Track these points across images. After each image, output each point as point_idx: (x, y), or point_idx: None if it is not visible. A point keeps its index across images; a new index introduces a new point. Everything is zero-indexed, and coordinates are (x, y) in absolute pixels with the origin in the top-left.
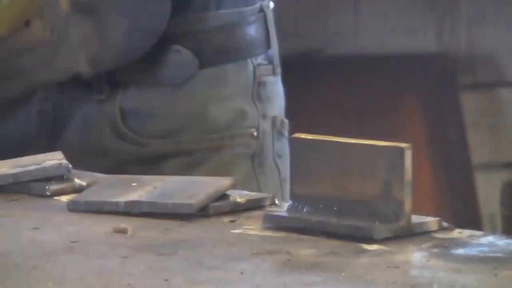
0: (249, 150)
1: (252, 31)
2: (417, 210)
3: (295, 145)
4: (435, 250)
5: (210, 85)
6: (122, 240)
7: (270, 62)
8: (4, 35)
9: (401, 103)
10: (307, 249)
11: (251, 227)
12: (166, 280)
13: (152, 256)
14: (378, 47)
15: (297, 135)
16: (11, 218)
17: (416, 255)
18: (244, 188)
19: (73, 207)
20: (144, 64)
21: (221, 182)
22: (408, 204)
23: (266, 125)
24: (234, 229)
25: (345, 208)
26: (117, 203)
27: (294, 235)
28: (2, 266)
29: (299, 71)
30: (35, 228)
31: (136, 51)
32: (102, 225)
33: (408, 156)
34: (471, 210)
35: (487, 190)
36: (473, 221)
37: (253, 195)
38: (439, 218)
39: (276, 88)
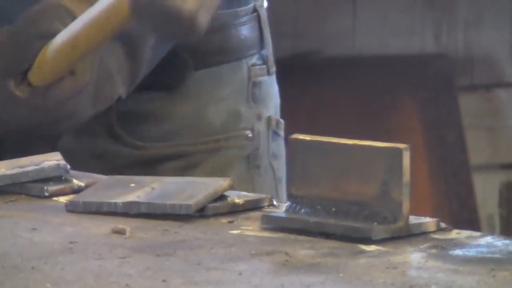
0: (245, 152)
1: (246, 31)
2: (415, 211)
3: (293, 145)
4: (433, 251)
5: (205, 87)
6: (121, 241)
7: (265, 62)
8: (46, 85)
9: (399, 104)
10: (305, 250)
11: (249, 228)
12: (164, 281)
13: (150, 257)
14: (376, 48)
15: (295, 135)
16: (9, 219)
17: (414, 256)
18: (239, 190)
19: (71, 208)
20: None
21: (219, 183)
22: (406, 205)
23: (261, 126)
24: (232, 230)
25: (343, 209)
26: (115, 204)
27: (292, 236)
28: (0, 267)
29: (297, 72)
30: (34, 229)
31: (157, 60)
32: (101, 226)
33: (406, 157)
34: (469, 211)
35: (485, 191)
36: (471, 222)
37: (251, 196)
38: (437, 219)
39: (271, 88)
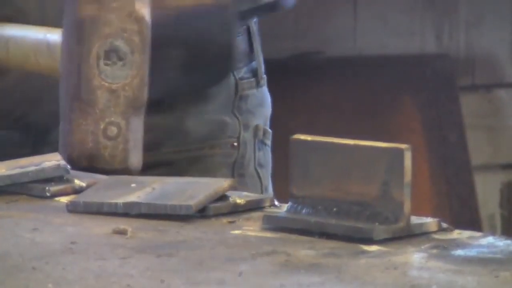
0: (229, 160)
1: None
2: (416, 211)
3: (294, 146)
4: (434, 251)
5: (190, 101)
6: (122, 241)
7: (254, 74)
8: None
9: (400, 105)
10: (306, 250)
11: (250, 228)
12: (165, 281)
13: (151, 257)
14: (377, 49)
15: (296, 136)
16: (10, 219)
17: (415, 256)
18: None
19: (72, 208)
20: None
21: (220, 183)
22: (407, 205)
23: (247, 135)
24: (233, 230)
25: (345, 209)
26: (116, 204)
27: (293, 236)
28: (1, 267)
29: (298, 72)
30: (35, 229)
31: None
32: (102, 226)
33: (407, 157)
34: (470, 211)
35: (486, 191)
36: (472, 222)
37: (253, 196)
38: (438, 219)
39: (260, 100)
